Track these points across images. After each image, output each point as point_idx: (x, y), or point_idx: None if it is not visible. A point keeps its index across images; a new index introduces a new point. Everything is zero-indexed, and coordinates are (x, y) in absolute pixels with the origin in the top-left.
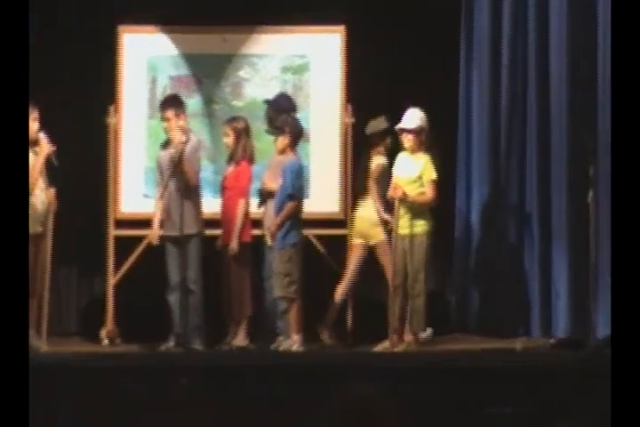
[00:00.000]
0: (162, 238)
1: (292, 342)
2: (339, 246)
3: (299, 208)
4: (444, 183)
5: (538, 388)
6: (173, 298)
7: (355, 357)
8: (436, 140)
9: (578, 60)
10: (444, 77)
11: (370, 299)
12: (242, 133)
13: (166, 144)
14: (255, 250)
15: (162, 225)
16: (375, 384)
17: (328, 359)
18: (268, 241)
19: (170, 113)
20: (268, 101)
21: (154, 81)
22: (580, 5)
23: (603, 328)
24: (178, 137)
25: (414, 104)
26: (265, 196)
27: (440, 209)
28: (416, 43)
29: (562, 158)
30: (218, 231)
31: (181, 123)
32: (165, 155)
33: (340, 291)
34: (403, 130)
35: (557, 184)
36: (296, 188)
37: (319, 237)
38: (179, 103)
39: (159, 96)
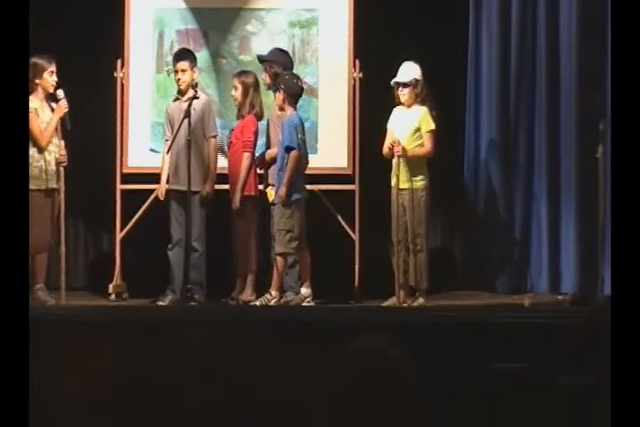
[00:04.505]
0: (168, 193)
1: (302, 296)
2: (347, 201)
3: (301, 162)
4: (452, 136)
5: (543, 343)
6: (173, 253)
7: (362, 312)
8: (442, 93)
9: (588, 15)
10: (452, 32)
11: (377, 255)
12: (250, 88)
13: (178, 96)
14: (262, 204)
15: (168, 180)
16: (384, 338)
17: (335, 314)
18: (270, 197)
19: (185, 64)
20: (260, 57)
21: (161, 35)
22: None
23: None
24: (191, 91)
25: (420, 58)
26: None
27: (446, 163)
28: None
29: (571, 112)
30: (226, 186)
31: (194, 77)
32: (177, 107)
33: None
34: (398, 84)
35: (566, 138)
36: (294, 141)
37: (327, 193)
38: (193, 56)
39: (166, 50)
